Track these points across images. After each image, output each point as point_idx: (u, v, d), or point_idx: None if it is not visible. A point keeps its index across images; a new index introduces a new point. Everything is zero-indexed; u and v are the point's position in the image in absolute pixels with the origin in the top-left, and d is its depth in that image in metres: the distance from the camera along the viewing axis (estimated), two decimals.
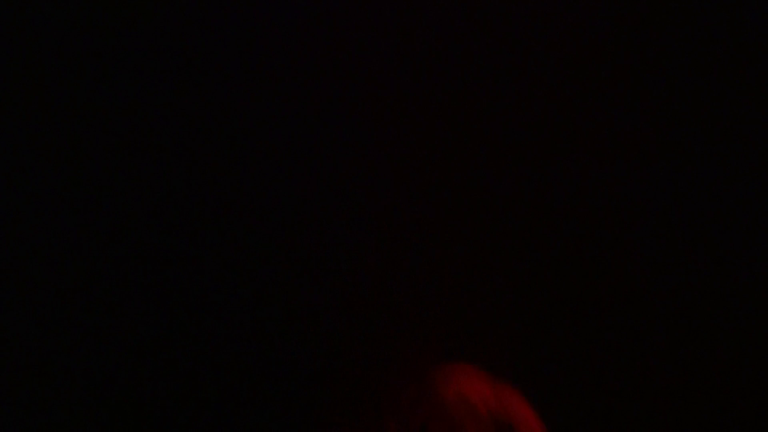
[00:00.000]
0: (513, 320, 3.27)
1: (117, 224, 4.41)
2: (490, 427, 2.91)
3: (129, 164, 4.44)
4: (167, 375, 4.26)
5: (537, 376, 3.82)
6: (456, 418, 2.90)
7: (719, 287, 4.04)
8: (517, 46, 4.27)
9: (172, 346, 4.27)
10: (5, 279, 4.30)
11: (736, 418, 3.57)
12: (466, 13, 4.33)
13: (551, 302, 4.08)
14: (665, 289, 4.03)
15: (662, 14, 4.19)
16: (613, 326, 4.04)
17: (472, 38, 4.29)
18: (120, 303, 4.36)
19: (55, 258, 4.39)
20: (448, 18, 4.35)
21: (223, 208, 4.29)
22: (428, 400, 2.94)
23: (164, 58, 4.47)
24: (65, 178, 4.44)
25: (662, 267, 4.08)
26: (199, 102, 4.44)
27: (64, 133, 4.44)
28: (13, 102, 4.40)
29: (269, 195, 4.30)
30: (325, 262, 4.16)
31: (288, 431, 3.28)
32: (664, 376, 3.98)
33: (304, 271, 4.18)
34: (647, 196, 4.13)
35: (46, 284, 4.35)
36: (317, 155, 4.25)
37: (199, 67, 4.46)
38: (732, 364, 3.95)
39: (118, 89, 4.46)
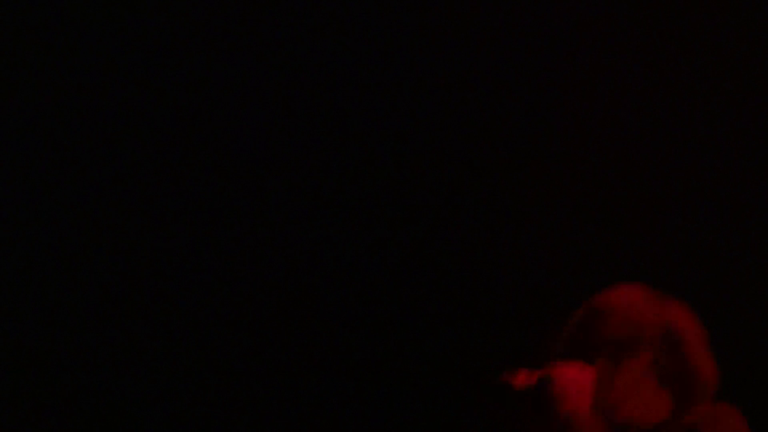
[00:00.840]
0: None
1: (136, 222, 4.42)
2: (649, 327, 2.93)
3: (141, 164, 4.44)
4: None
5: None
6: (612, 320, 2.92)
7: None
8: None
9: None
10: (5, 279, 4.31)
11: None
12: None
13: None
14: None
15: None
16: None
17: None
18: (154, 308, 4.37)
19: (52, 258, 4.41)
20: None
21: None
22: (587, 313, 2.96)
23: (164, 58, 4.47)
24: (63, 177, 4.45)
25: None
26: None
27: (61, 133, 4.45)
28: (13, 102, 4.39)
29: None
30: None
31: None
32: None
33: None
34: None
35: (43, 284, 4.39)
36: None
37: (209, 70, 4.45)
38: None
39: (117, 89, 4.45)
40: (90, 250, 4.40)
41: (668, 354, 2.93)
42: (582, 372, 2.83)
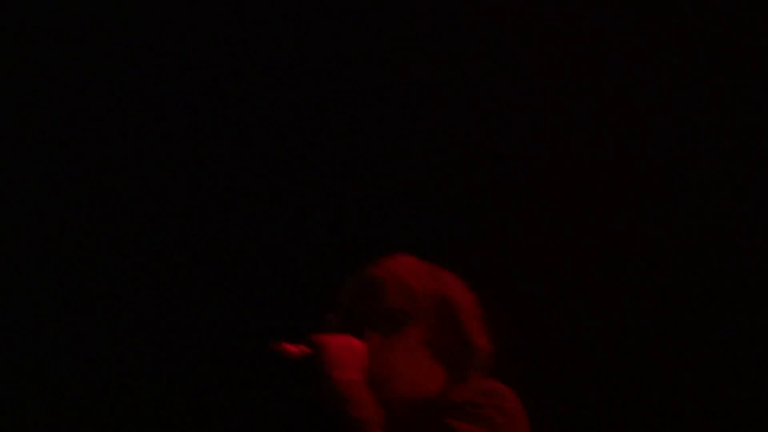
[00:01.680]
0: None
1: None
2: (423, 298, 2.95)
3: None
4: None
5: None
6: (386, 290, 2.94)
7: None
8: None
9: None
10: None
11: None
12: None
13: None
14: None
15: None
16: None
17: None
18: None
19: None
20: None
21: None
22: (361, 283, 2.97)
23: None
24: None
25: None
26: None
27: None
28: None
29: None
30: None
31: None
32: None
33: None
34: None
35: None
36: None
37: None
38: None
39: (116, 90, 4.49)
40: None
41: (442, 327, 2.95)
42: (353, 342, 2.88)
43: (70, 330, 4.42)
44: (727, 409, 4.02)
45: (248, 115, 4.48)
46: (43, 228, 4.47)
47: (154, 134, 4.48)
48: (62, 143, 4.49)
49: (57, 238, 4.47)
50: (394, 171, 4.30)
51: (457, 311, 2.98)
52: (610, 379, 4.19)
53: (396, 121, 4.36)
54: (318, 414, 2.82)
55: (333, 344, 2.85)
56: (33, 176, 4.48)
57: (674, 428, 4.08)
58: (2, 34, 4.49)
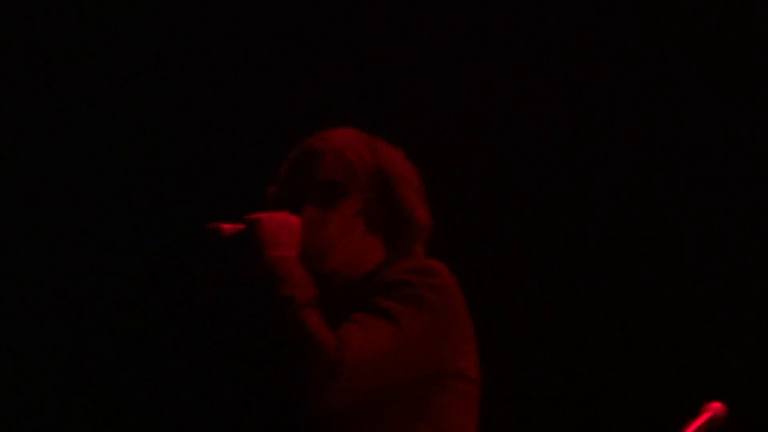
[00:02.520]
0: None
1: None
2: (361, 170, 2.86)
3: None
4: None
5: None
6: (322, 161, 2.86)
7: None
8: None
9: None
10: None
11: None
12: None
13: None
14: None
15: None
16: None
17: None
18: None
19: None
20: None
21: None
22: (299, 154, 2.90)
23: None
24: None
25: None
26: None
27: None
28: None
29: None
30: None
31: None
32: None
33: None
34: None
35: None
36: None
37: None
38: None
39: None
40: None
41: (380, 199, 2.87)
42: (288, 218, 2.82)
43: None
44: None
45: None
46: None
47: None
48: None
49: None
50: None
51: (395, 183, 2.89)
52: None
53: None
54: (250, 294, 2.75)
55: (267, 221, 2.79)
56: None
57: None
58: None
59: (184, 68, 4.51)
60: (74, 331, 4.44)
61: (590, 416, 4.24)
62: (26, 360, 4.43)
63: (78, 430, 4.42)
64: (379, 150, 2.92)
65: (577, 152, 4.33)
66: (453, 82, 4.43)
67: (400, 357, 2.67)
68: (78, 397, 4.43)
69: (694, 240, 4.27)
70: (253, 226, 2.77)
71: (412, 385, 2.70)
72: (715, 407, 2.81)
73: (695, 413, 2.78)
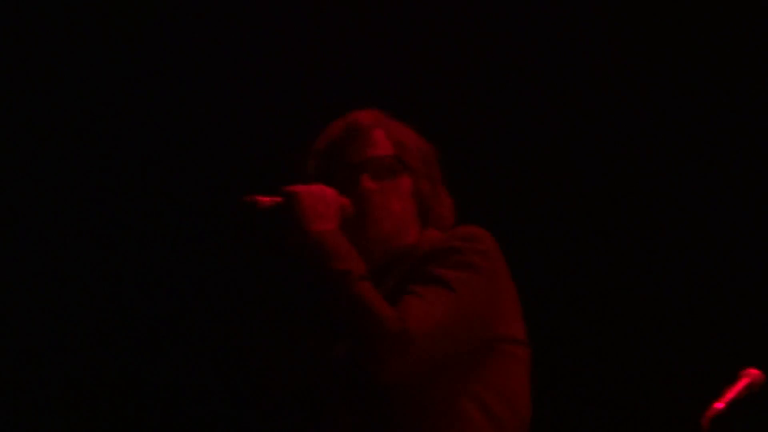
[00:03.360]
0: None
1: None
2: (411, 147, 2.90)
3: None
4: None
5: None
6: (376, 137, 2.89)
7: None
8: None
9: None
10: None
11: None
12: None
13: None
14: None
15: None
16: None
17: None
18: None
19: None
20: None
21: None
22: (348, 129, 2.91)
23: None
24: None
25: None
26: None
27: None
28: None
29: None
30: None
31: None
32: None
33: None
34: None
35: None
36: None
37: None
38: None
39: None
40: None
41: (425, 176, 2.91)
42: (326, 190, 2.80)
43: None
44: None
45: None
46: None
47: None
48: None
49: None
50: None
51: (434, 162, 2.95)
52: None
53: None
54: (296, 268, 2.76)
55: (305, 193, 2.77)
56: None
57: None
58: None
59: (216, 44, 4.52)
60: (124, 310, 4.44)
61: (629, 382, 4.26)
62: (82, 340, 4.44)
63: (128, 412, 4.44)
64: (410, 130, 2.96)
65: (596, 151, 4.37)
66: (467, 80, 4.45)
67: (460, 324, 2.68)
68: (128, 378, 4.45)
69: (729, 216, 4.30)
70: (290, 198, 2.74)
71: (470, 351, 2.71)
72: (753, 373, 2.83)
73: (733, 379, 2.80)
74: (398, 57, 4.43)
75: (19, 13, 4.46)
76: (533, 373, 2.81)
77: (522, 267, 2.89)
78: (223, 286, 4.08)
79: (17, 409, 4.38)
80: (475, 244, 2.76)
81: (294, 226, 2.75)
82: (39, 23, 4.48)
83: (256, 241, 2.80)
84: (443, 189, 2.95)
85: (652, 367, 4.20)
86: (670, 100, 4.30)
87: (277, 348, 3.63)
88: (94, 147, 4.49)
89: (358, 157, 2.87)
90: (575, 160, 4.36)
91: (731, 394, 2.74)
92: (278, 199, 2.79)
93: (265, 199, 2.79)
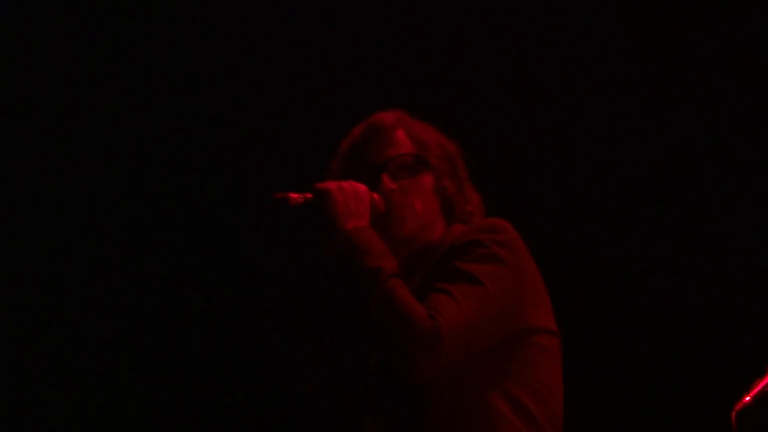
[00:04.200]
0: None
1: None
2: (434, 146, 2.92)
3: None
4: None
5: None
6: (398, 137, 2.91)
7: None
8: None
9: None
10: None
11: None
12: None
13: None
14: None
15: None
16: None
17: None
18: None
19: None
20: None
21: None
22: (371, 129, 2.94)
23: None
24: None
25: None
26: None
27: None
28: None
29: None
30: None
31: None
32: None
33: None
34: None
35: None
36: None
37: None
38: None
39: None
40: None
41: (448, 174, 2.93)
42: (356, 186, 2.81)
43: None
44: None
45: None
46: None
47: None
48: None
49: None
50: None
51: (457, 160, 2.97)
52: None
53: None
54: (329, 266, 2.77)
55: (336, 189, 2.78)
56: None
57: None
58: None
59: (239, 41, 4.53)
60: (158, 307, 4.46)
61: (659, 376, 4.26)
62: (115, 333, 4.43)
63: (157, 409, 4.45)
64: (433, 129, 2.98)
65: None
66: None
67: (489, 317, 2.69)
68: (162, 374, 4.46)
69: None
70: (322, 195, 2.76)
71: (501, 345, 2.72)
72: None
73: (763, 373, 2.78)
74: (424, 58, 4.45)
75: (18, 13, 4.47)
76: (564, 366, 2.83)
77: (550, 260, 2.91)
78: (254, 285, 4.16)
79: (19, 410, 4.39)
80: (497, 235, 2.77)
81: (326, 223, 2.77)
82: (37, 23, 4.50)
83: (287, 239, 2.80)
84: (469, 185, 2.97)
85: (682, 361, 4.20)
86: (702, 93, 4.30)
87: (306, 346, 3.65)
88: (109, 145, 4.51)
89: (378, 157, 2.89)
90: (606, 154, 4.36)
91: (761, 387, 2.74)
92: (309, 195, 2.80)
93: (297, 196, 2.80)
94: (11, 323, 4.37)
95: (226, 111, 4.49)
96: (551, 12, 4.36)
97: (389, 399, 2.76)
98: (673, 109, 4.29)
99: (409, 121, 2.95)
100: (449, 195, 2.92)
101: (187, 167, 4.46)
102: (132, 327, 4.42)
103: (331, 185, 2.80)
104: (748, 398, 2.73)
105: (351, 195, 2.79)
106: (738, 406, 2.72)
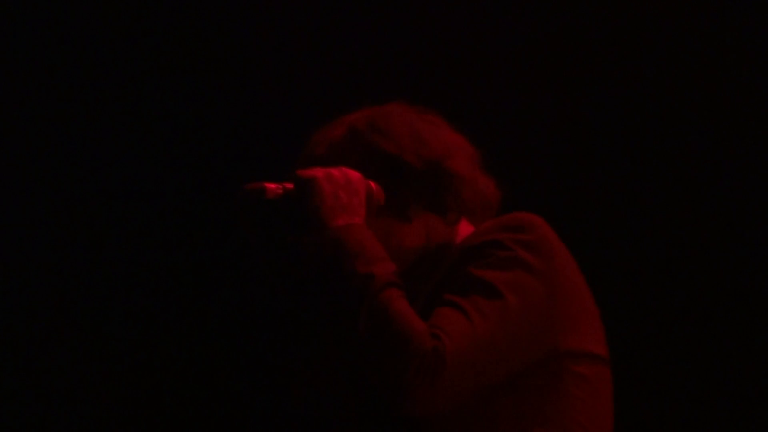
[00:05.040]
0: None
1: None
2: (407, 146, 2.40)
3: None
4: None
5: None
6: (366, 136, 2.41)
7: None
8: None
9: None
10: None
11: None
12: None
13: None
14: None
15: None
16: None
17: None
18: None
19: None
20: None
21: None
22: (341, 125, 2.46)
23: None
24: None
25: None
26: None
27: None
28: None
29: None
30: None
31: None
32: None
33: None
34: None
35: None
36: None
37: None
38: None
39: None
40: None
41: (431, 176, 2.39)
42: (349, 173, 2.29)
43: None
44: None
45: None
46: None
47: None
48: None
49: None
50: None
51: (444, 159, 2.42)
52: None
53: None
54: (314, 272, 2.24)
55: (323, 178, 2.26)
56: None
57: None
58: None
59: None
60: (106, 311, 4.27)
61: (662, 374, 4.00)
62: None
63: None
64: (423, 127, 2.42)
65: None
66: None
67: (509, 338, 2.14)
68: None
69: None
70: (306, 184, 2.23)
71: (524, 373, 2.18)
72: None
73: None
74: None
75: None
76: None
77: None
78: (226, 289, 3.86)
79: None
80: (523, 234, 2.22)
81: (310, 219, 2.24)
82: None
83: (262, 238, 2.27)
84: (479, 180, 2.42)
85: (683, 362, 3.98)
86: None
87: (285, 363, 3.26)
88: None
89: (352, 157, 2.38)
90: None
91: None
92: (290, 185, 2.27)
93: (275, 186, 2.27)
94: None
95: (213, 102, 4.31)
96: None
97: None
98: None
99: (391, 119, 2.43)
100: (438, 200, 2.39)
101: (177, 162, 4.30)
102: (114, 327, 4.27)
103: (318, 172, 2.27)
104: None
105: (342, 185, 2.27)
106: None
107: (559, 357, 2.20)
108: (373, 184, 2.32)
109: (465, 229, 2.39)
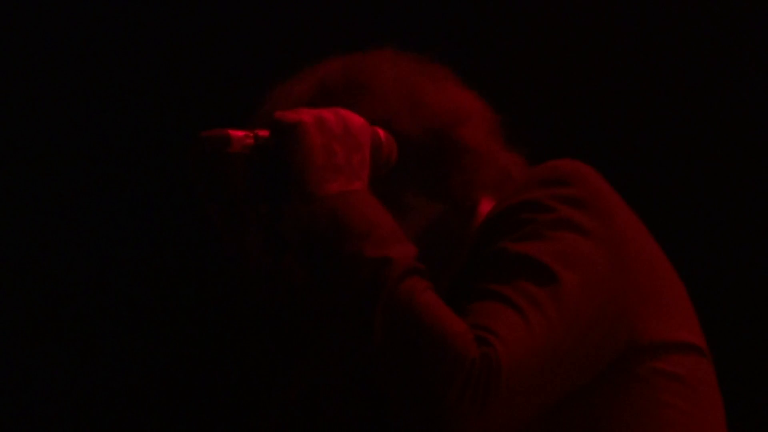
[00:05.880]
0: None
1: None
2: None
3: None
4: None
5: None
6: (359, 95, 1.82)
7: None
8: None
9: None
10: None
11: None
12: None
13: None
14: None
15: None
16: None
17: None
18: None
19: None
20: None
21: None
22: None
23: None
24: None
25: None
26: None
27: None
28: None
29: None
30: None
31: None
32: None
33: None
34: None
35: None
36: None
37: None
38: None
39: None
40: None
41: (436, 145, 1.82)
42: (352, 118, 1.67)
43: None
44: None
45: None
46: None
47: None
48: None
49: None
50: None
51: (452, 125, 1.88)
52: None
53: None
54: (300, 255, 1.62)
55: (312, 124, 1.63)
56: None
57: None
58: None
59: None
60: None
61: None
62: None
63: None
64: (421, 83, 1.85)
65: None
66: None
67: (576, 335, 1.57)
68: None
69: None
70: (287, 134, 1.62)
71: (597, 382, 1.62)
72: None
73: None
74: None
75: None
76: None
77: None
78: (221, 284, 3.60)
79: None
80: (568, 188, 1.64)
81: (292, 182, 1.63)
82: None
83: (226, 208, 1.65)
84: (500, 155, 1.86)
85: None
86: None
87: (267, 367, 2.75)
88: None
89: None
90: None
91: None
92: (265, 133, 1.64)
93: (242, 134, 1.64)
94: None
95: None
96: None
97: None
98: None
99: (386, 77, 1.86)
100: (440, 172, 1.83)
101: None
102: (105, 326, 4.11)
103: (305, 115, 1.65)
104: None
105: (338, 134, 1.65)
106: None
107: (641, 352, 1.64)
108: (381, 132, 1.71)
109: (486, 207, 1.83)
